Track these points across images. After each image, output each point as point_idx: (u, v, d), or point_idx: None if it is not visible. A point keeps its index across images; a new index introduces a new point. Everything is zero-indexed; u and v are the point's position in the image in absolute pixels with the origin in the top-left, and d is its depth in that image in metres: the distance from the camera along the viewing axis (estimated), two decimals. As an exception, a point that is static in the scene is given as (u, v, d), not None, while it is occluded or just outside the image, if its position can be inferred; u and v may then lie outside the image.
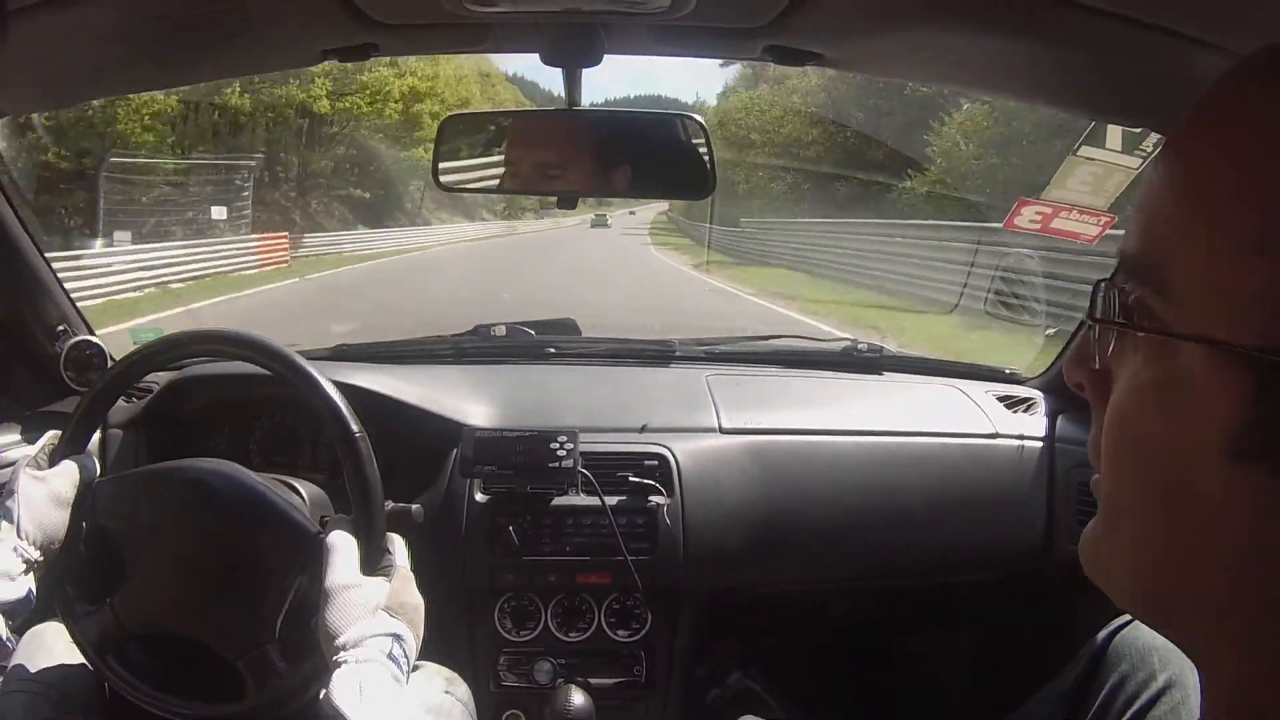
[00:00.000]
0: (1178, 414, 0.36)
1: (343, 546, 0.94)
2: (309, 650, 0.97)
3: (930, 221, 11.76)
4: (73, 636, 1.02)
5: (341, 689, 0.81)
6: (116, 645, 1.02)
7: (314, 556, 0.99)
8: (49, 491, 0.97)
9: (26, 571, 0.93)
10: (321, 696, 0.82)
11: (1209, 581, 0.36)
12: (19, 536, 0.93)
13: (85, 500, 1.01)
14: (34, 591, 0.93)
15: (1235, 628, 0.36)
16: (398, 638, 0.87)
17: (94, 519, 1.02)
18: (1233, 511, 0.34)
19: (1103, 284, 0.40)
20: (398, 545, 1.00)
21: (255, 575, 1.01)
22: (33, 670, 1.05)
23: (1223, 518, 0.34)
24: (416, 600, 0.93)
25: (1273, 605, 0.34)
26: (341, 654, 0.85)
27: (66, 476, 1.00)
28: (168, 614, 1.02)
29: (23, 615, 0.92)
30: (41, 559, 0.95)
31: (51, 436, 1.05)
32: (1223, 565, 0.35)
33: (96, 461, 1.06)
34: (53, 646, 1.07)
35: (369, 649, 0.84)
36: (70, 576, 1.02)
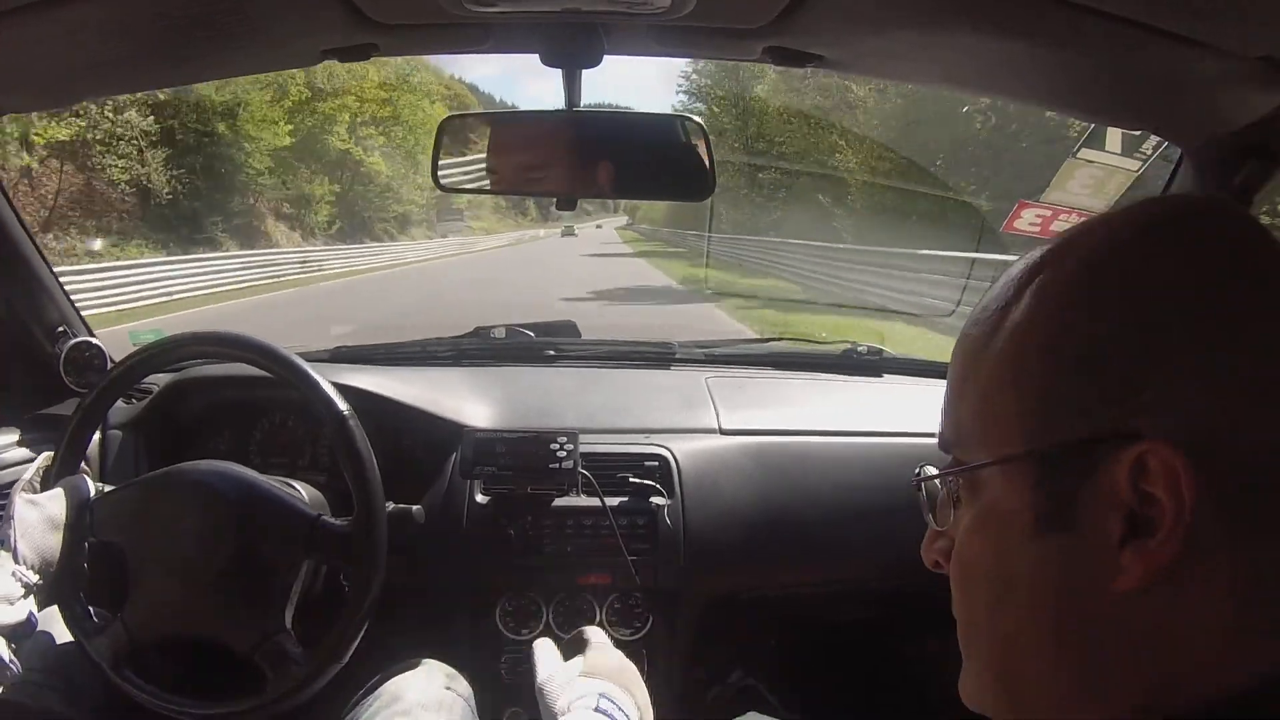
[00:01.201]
0: (992, 528, 0.46)
1: (541, 647, 0.99)
2: (322, 634, 0.98)
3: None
4: (86, 655, 1.02)
5: None
6: (131, 658, 1.02)
7: (316, 540, 1.01)
8: (44, 515, 0.98)
9: (26, 595, 0.93)
10: None
11: (1039, 643, 0.45)
12: (16, 561, 0.94)
13: (84, 519, 1.01)
14: (34, 614, 0.93)
15: (1067, 674, 0.44)
16: (602, 694, 0.90)
17: (95, 536, 1.02)
18: (1047, 580, 0.44)
19: (921, 476, 0.53)
20: (593, 630, 1.04)
21: (260, 567, 1.02)
22: (41, 659, 1.05)
23: (1041, 590, 0.44)
24: (616, 661, 0.96)
25: (1092, 639, 0.43)
26: None
27: (61, 499, 1.00)
28: (178, 619, 1.03)
29: (24, 638, 0.92)
30: (40, 582, 0.95)
31: (45, 459, 1.06)
32: (1045, 623, 0.44)
33: (90, 481, 1.06)
34: (60, 633, 1.07)
35: (576, 713, 0.88)
36: (77, 596, 1.02)
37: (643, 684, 0.94)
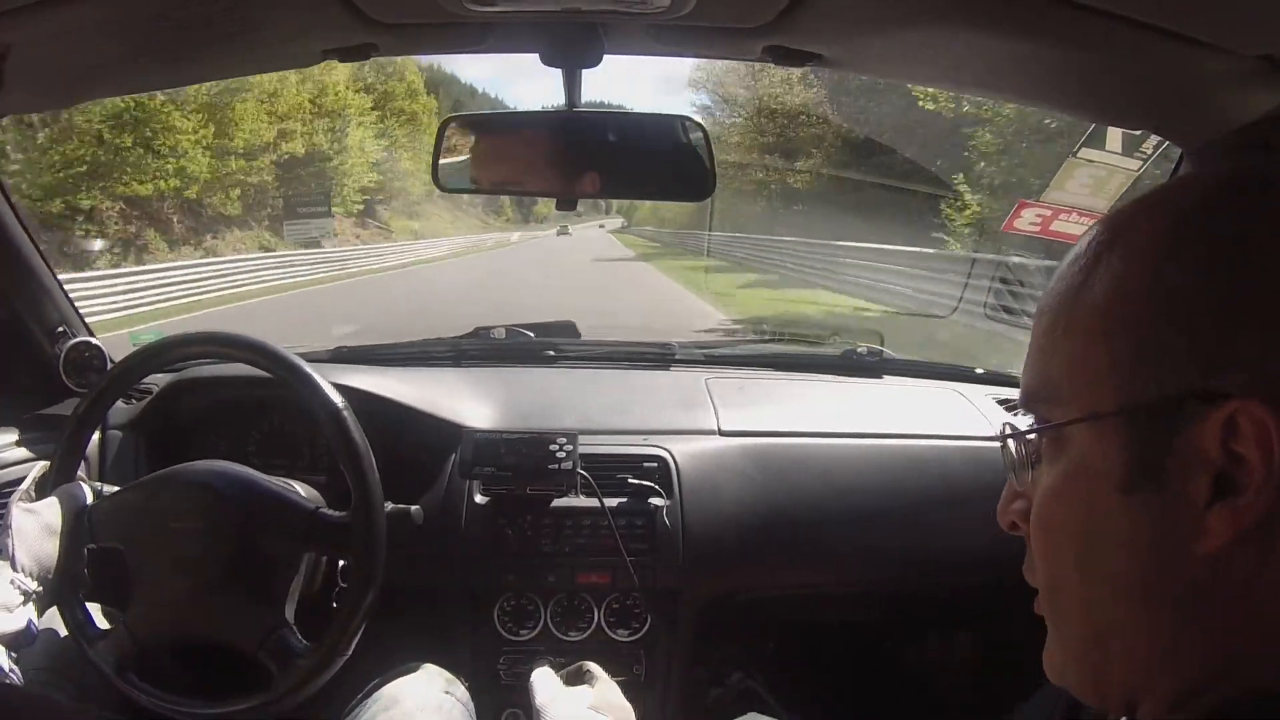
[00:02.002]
0: (1079, 486, 0.45)
1: (541, 675, 1.00)
2: (325, 626, 0.98)
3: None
4: (89, 663, 1.02)
5: None
6: (135, 661, 1.02)
7: (316, 532, 1.02)
8: (41, 523, 0.99)
9: (25, 602, 0.94)
10: None
11: (1129, 600, 0.44)
12: (15, 569, 0.94)
13: (81, 525, 1.02)
14: (34, 622, 0.94)
15: (1155, 634, 0.44)
16: None
17: (94, 542, 1.02)
18: (1136, 537, 0.43)
19: (1008, 427, 0.51)
20: (594, 666, 1.05)
21: (261, 563, 1.02)
22: (48, 659, 1.05)
23: (1129, 547, 0.43)
24: (623, 702, 0.97)
25: (1179, 611, 0.42)
26: None
27: (56, 506, 1.01)
28: (182, 619, 1.03)
29: (24, 646, 0.92)
30: (40, 590, 0.95)
31: (41, 468, 1.06)
32: (1136, 581, 0.44)
33: (87, 487, 1.06)
34: (62, 631, 1.07)
35: None
36: (78, 604, 1.02)
37: None
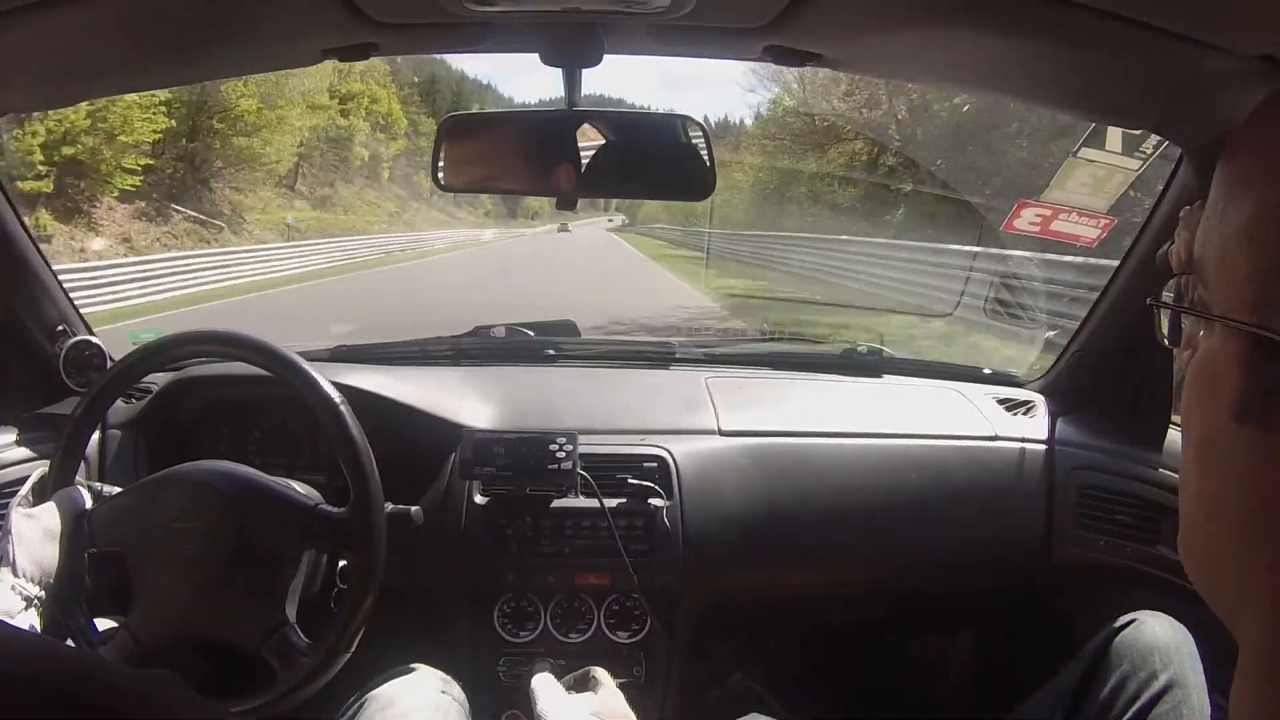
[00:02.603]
0: (1207, 384, 0.43)
1: (542, 680, 1.00)
2: (326, 623, 0.98)
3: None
4: None
5: None
6: (139, 664, 1.02)
7: (315, 529, 1.02)
8: (41, 527, 0.99)
9: (27, 608, 0.94)
10: None
11: (1228, 529, 0.42)
12: (16, 575, 0.94)
13: (81, 529, 1.02)
14: (37, 628, 0.94)
15: (1250, 576, 0.41)
16: None
17: (94, 545, 1.02)
18: (1244, 470, 0.40)
19: (1157, 300, 0.49)
20: (601, 672, 1.05)
21: (262, 561, 1.02)
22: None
23: (1237, 476, 0.41)
24: (626, 709, 0.97)
25: (1272, 546, 0.40)
26: None
27: (56, 511, 1.01)
28: (184, 619, 1.03)
29: None
30: (41, 595, 0.95)
31: (39, 474, 1.06)
32: (1235, 513, 0.41)
33: (85, 492, 1.06)
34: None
35: None
36: (80, 608, 1.02)
37: None
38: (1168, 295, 0.48)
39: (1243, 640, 0.43)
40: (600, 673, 1.03)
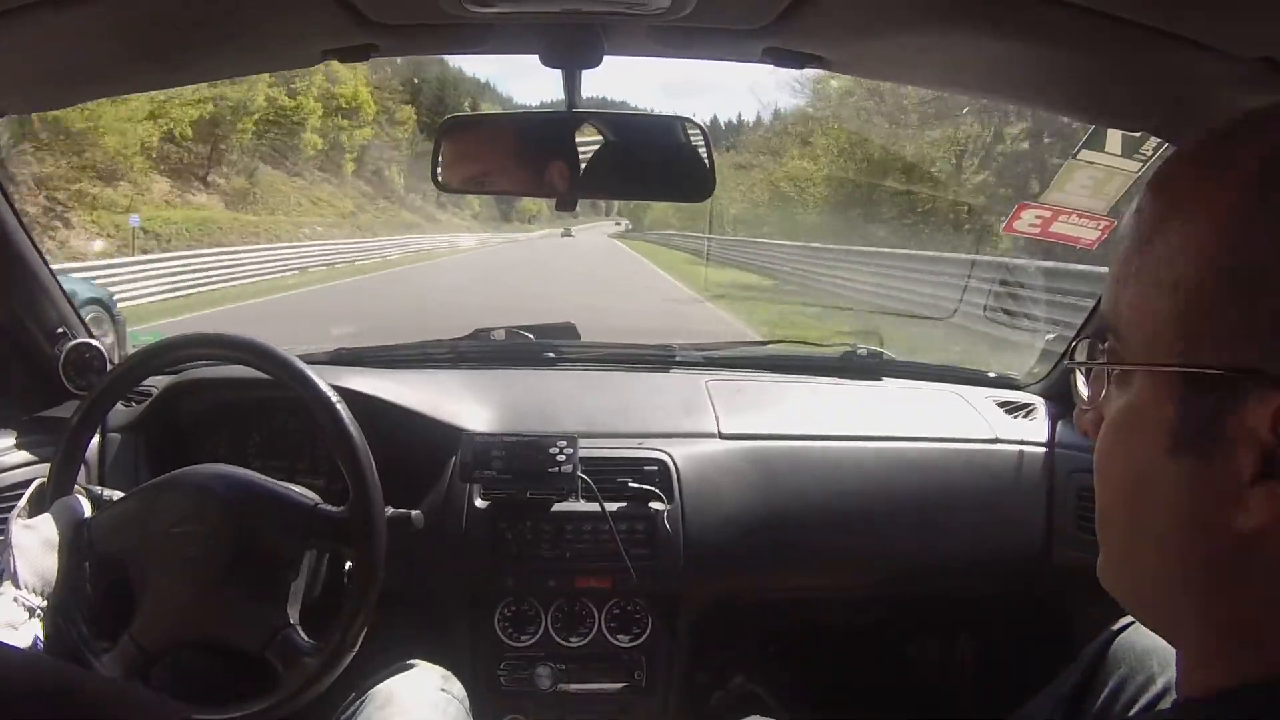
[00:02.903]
0: (1134, 429, 0.45)
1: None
2: (329, 624, 0.98)
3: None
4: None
5: None
6: (143, 672, 1.02)
7: (315, 529, 1.02)
8: (41, 537, 0.99)
9: (30, 619, 0.94)
10: None
11: (1168, 561, 0.44)
12: (17, 586, 0.94)
13: (81, 538, 1.02)
14: (40, 638, 0.93)
15: (1190, 597, 0.44)
16: None
17: (95, 554, 1.02)
18: (1178, 499, 0.43)
19: (1085, 341, 0.51)
20: None
21: (264, 563, 1.02)
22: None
23: (1170, 507, 0.43)
24: None
25: (1212, 575, 0.42)
26: None
27: (55, 521, 1.01)
28: (186, 625, 1.03)
29: None
30: (44, 605, 0.95)
31: (38, 483, 1.06)
32: (1176, 545, 0.44)
33: (84, 501, 1.06)
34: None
35: None
36: (82, 618, 1.02)
37: None
38: (1080, 350, 0.52)
39: (1178, 645, 0.47)
40: None
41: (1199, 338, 0.41)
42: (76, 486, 1.10)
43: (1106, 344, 0.47)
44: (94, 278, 9.42)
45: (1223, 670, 0.43)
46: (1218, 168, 0.43)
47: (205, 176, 21.39)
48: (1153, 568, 0.45)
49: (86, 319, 1.50)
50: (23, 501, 1.04)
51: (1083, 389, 0.51)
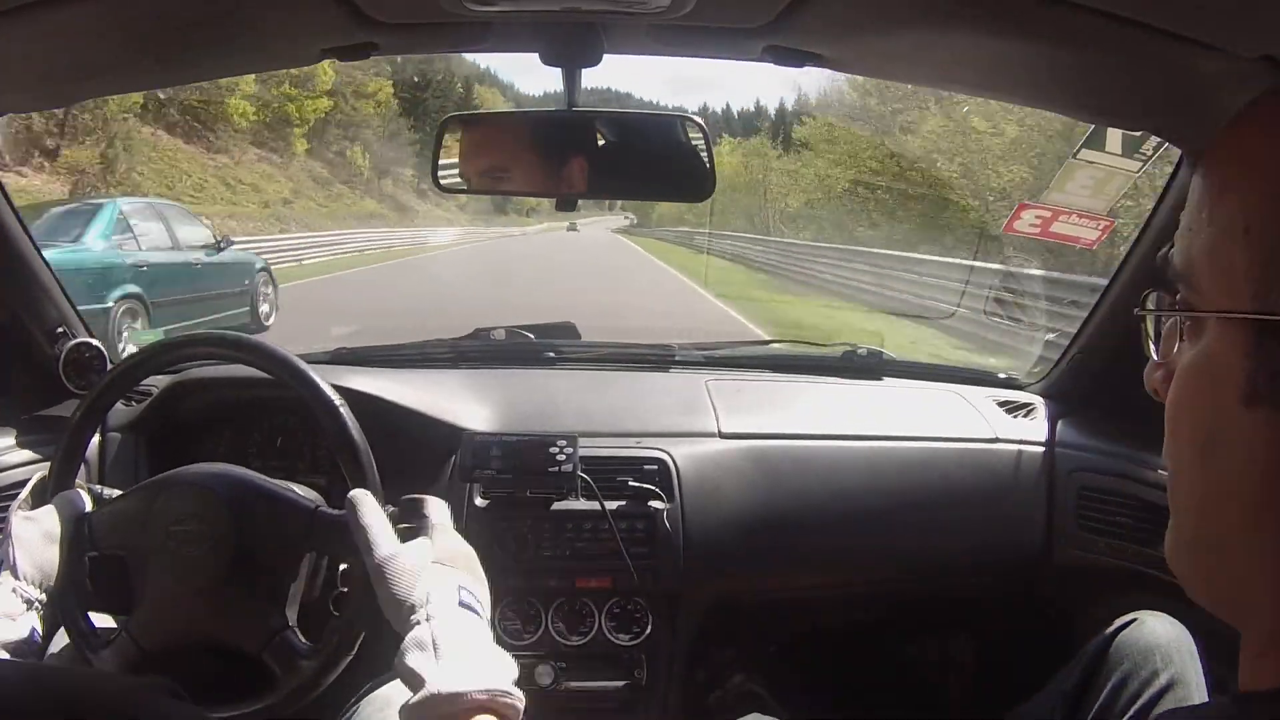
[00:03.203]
0: (1208, 379, 0.43)
1: (375, 522, 0.92)
2: (327, 626, 0.98)
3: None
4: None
5: (414, 650, 0.79)
6: (139, 668, 1.02)
7: (317, 532, 1.01)
8: (41, 530, 0.98)
9: (28, 610, 0.93)
10: (397, 662, 0.80)
11: (1238, 517, 0.42)
12: (16, 577, 0.94)
13: (81, 532, 1.01)
14: (37, 630, 0.93)
15: (1261, 560, 0.42)
16: (461, 586, 0.85)
17: (94, 550, 1.02)
18: (1253, 453, 0.41)
19: (1153, 294, 0.49)
20: (435, 506, 0.98)
21: (262, 563, 1.02)
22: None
23: (1247, 460, 0.41)
24: (465, 548, 0.92)
25: None
26: (411, 618, 0.83)
27: (56, 514, 1.00)
28: (185, 624, 1.03)
29: (28, 655, 0.92)
30: (43, 598, 0.95)
31: (39, 476, 1.06)
32: (1247, 498, 0.42)
33: (85, 495, 1.06)
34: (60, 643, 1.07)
35: (437, 604, 0.83)
36: (81, 612, 1.02)
37: (483, 574, 0.90)
38: (1150, 303, 0.50)
39: (1247, 625, 0.43)
40: (433, 508, 0.97)
41: (1272, 283, 0.40)
42: (77, 483, 1.10)
43: (1179, 295, 0.46)
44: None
45: None
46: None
47: (54, 149, 15.97)
48: (1220, 526, 0.44)
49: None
50: (24, 493, 1.04)
51: (1151, 348, 0.50)
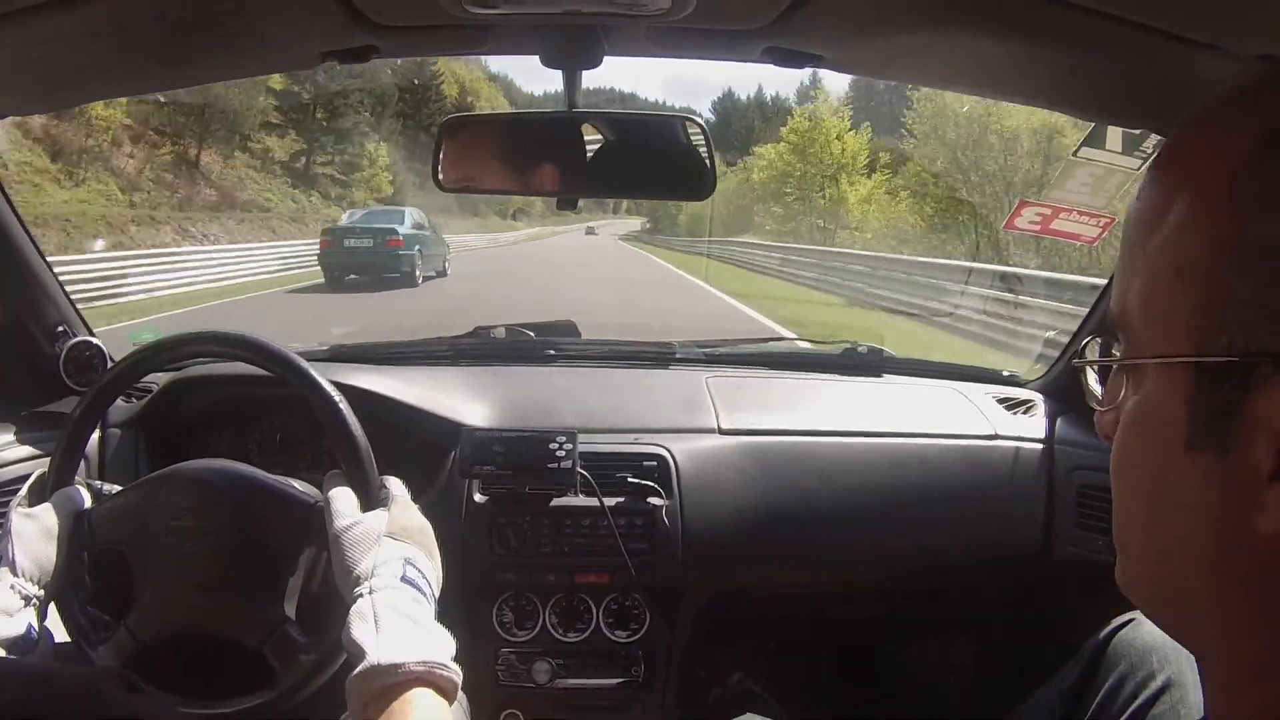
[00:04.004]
0: (1149, 428, 0.43)
1: (339, 495, 0.94)
2: (328, 621, 0.98)
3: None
4: (91, 665, 1.02)
5: (357, 622, 0.80)
6: (137, 663, 1.02)
7: (316, 527, 1.01)
8: (40, 526, 0.99)
9: (25, 607, 0.94)
10: (343, 634, 0.82)
11: (1195, 567, 0.41)
12: (15, 574, 0.94)
13: (81, 528, 1.02)
14: (34, 627, 0.94)
15: (1222, 605, 0.41)
16: (408, 560, 0.87)
17: (94, 545, 1.02)
18: (1203, 501, 0.40)
19: (1095, 339, 0.49)
20: (393, 481, 1.00)
21: (262, 558, 1.02)
22: (46, 657, 1.06)
23: (1198, 510, 0.40)
24: (419, 522, 0.93)
25: (1240, 585, 0.40)
26: (356, 588, 0.84)
27: (55, 510, 1.01)
28: (184, 619, 1.03)
29: (25, 651, 0.92)
30: (41, 594, 0.96)
31: (39, 473, 1.06)
32: (1203, 549, 0.41)
33: (84, 492, 1.06)
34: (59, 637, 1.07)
35: (381, 577, 0.84)
36: (80, 608, 1.03)
37: (437, 549, 0.92)
38: (1091, 352, 0.50)
39: (1206, 659, 0.43)
40: (392, 482, 0.99)
41: (1208, 324, 0.39)
42: (77, 479, 1.10)
43: (1119, 340, 0.45)
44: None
45: (1256, 697, 0.40)
46: (1217, 141, 0.41)
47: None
48: (1177, 576, 0.43)
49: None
50: (23, 490, 1.04)
51: (1096, 389, 0.49)
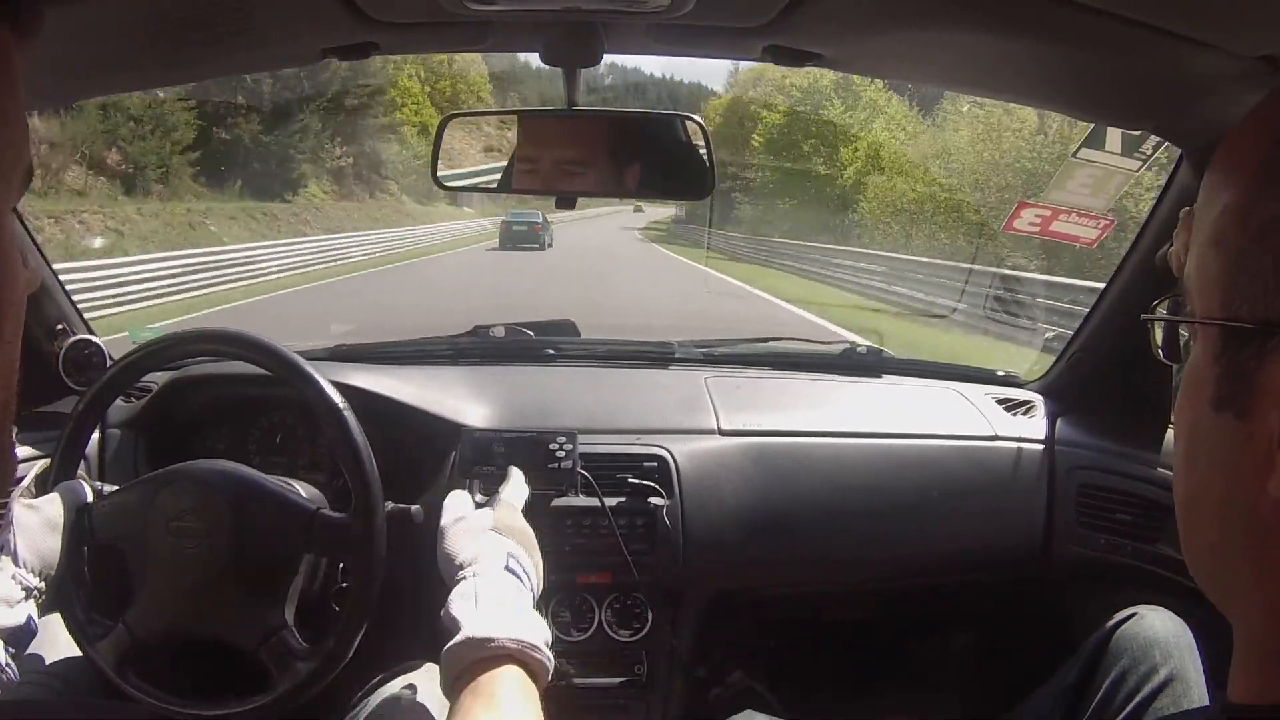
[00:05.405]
0: (1193, 383, 0.45)
1: (454, 496, 0.99)
2: (326, 628, 0.98)
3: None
4: (90, 660, 1.02)
5: (457, 599, 0.82)
6: (135, 661, 1.02)
7: (316, 533, 1.02)
8: (43, 518, 0.99)
9: (26, 598, 0.94)
10: (442, 612, 0.83)
11: (1223, 534, 0.43)
12: (16, 564, 0.94)
13: (82, 522, 1.02)
14: (34, 618, 0.94)
15: (1246, 582, 0.42)
16: (510, 554, 0.89)
17: (95, 540, 1.02)
18: (1225, 459, 0.42)
19: (1166, 301, 0.50)
20: (513, 478, 1.05)
21: (262, 563, 1.02)
22: (43, 662, 1.05)
23: (1219, 468, 0.43)
24: (522, 525, 0.96)
25: (1254, 534, 0.41)
26: (460, 572, 0.87)
27: (58, 503, 1.01)
28: (182, 618, 1.03)
29: (24, 642, 0.92)
30: (41, 585, 0.95)
31: (41, 465, 1.06)
32: (1216, 504, 0.43)
33: (87, 486, 1.06)
34: (55, 637, 1.07)
35: (484, 564, 0.87)
36: (79, 602, 1.03)
37: (538, 550, 0.94)
38: (1162, 309, 0.51)
39: (1240, 628, 0.44)
40: (507, 490, 1.04)
41: (1237, 292, 0.41)
42: (79, 474, 1.10)
43: (1185, 304, 0.47)
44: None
45: (1255, 657, 0.41)
46: (1253, 125, 0.44)
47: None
48: (1210, 538, 0.45)
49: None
50: (26, 481, 1.04)
51: (1159, 352, 0.51)
